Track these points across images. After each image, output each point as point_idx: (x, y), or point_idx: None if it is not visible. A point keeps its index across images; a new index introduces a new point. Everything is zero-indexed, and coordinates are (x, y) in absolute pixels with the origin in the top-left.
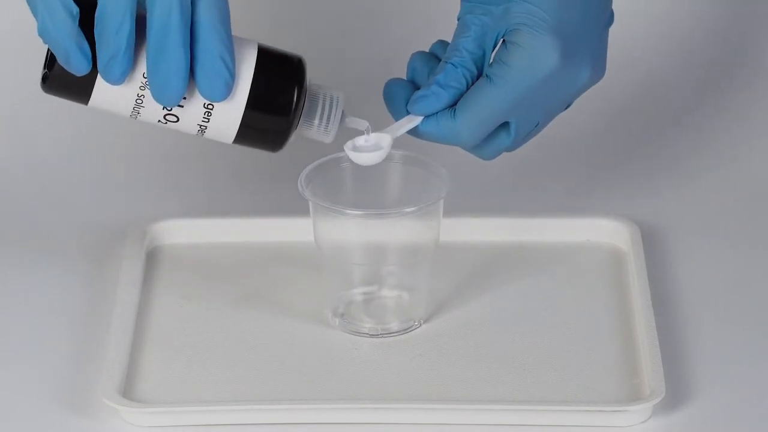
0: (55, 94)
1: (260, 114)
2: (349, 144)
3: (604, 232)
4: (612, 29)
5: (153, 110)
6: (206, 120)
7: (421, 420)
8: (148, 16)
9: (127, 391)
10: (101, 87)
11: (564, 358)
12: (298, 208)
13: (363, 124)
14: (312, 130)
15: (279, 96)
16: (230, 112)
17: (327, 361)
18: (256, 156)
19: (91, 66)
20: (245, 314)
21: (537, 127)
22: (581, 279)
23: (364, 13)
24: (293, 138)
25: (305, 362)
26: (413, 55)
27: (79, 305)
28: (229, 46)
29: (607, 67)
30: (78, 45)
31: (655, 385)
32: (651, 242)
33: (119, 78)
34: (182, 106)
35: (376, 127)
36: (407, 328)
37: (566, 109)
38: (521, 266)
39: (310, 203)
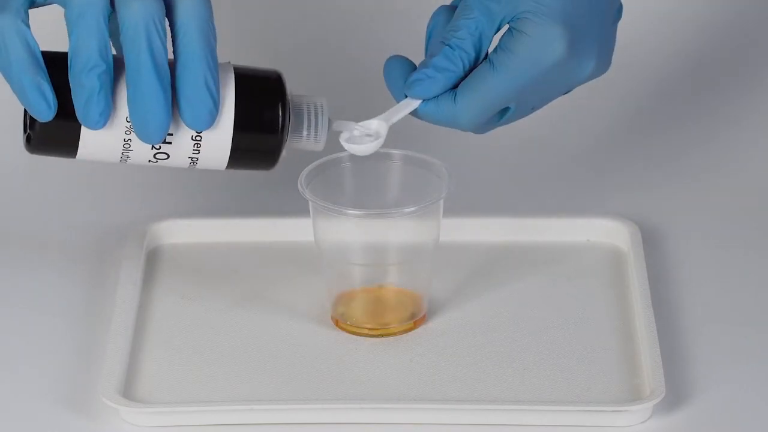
0: (41, 153)
1: (249, 135)
2: (344, 135)
3: (604, 232)
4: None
5: (142, 152)
6: (196, 152)
7: (421, 420)
8: (124, 55)
9: (127, 391)
10: (86, 137)
11: (564, 358)
12: (298, 208)
13: (350, 126)
14: (301, 142)
15: (264, 115)
16: (219, 140)
17: (327, 361)
18: None
19: (52, 109)
20: (245, 314)
21: (532, 110)
22: (581, 279)
23: (360, 12)
24: (284, 153)
25: (305, 362)
26: (438, 9)
27: (79, 305)
28: (214, 72)
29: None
30: (35, 83)
31: (655, 385)
32: (651, 242)
33: (98, 121)
34: (170, 143)
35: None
36: (407, 328)
37: (566, 93)
38: (521, 266)
39: (310, 203)
